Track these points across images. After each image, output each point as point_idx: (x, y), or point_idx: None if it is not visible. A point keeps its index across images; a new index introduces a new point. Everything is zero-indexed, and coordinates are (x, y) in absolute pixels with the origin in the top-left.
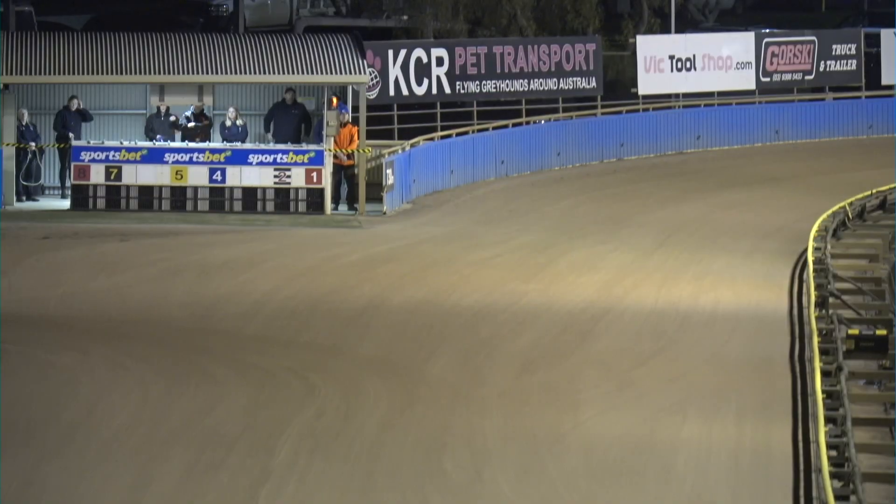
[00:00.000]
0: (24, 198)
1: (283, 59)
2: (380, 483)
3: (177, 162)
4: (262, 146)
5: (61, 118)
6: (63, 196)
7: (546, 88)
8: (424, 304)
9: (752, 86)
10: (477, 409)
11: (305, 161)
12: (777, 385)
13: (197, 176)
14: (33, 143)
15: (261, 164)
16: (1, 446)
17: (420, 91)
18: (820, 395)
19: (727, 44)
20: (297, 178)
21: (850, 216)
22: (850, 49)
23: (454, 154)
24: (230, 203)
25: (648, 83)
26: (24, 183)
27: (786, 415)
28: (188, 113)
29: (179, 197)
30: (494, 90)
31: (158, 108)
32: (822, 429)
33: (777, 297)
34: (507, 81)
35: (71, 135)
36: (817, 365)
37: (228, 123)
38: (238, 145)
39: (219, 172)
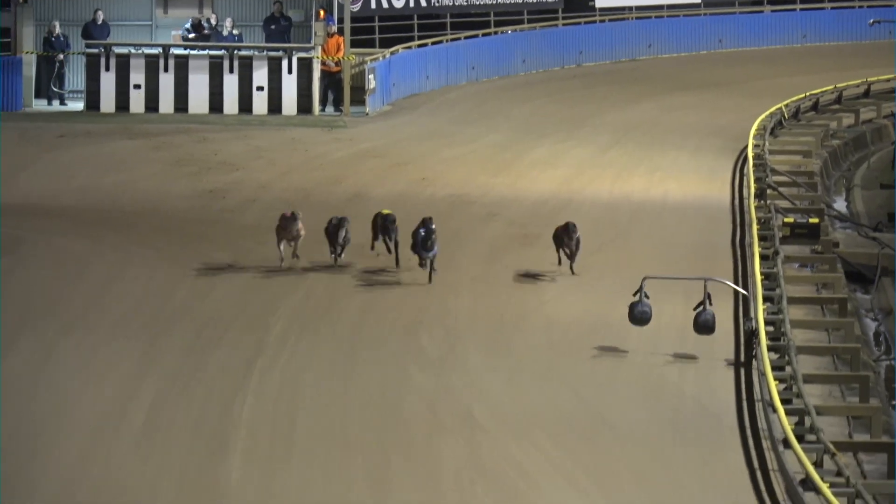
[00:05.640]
0: (55, 102)
1: None
2: (363, 357)
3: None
4: (257, 53)
5: (87, 30)
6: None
7: (512, 1)
8: (403, 196)
9: None
10: (450, 292)
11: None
12: (720, 268)
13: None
14: (61, 54)
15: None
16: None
17: (399, 4)
18: (759, 277)
19: None
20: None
21: (787, 116)
22: None
23: (429, 61)
24: (228, 104)
25: None
26: (56, 90)
27: (728, 295)
28: (188, 25)
29: (182, 99)
30: (466, 3)
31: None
32: (761, 306)
33: (720, 189)
34: None
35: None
36: (756, 250)
37: (225, 33)
38: (235, 50)
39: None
